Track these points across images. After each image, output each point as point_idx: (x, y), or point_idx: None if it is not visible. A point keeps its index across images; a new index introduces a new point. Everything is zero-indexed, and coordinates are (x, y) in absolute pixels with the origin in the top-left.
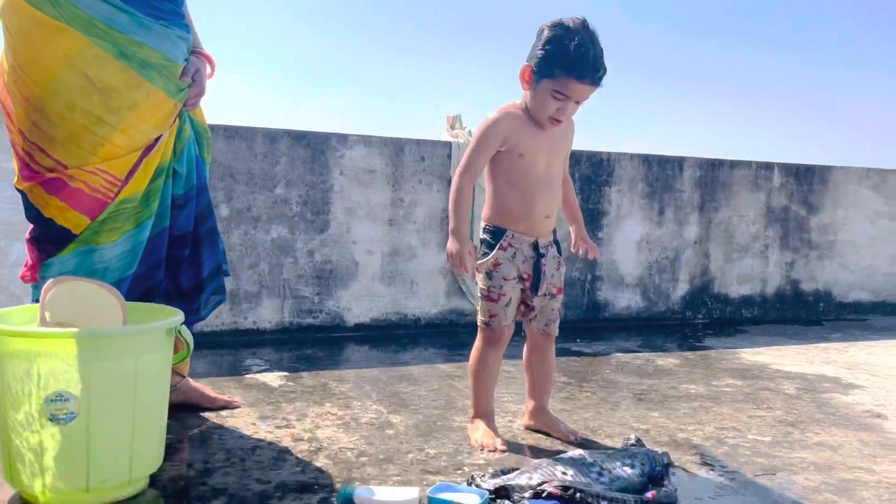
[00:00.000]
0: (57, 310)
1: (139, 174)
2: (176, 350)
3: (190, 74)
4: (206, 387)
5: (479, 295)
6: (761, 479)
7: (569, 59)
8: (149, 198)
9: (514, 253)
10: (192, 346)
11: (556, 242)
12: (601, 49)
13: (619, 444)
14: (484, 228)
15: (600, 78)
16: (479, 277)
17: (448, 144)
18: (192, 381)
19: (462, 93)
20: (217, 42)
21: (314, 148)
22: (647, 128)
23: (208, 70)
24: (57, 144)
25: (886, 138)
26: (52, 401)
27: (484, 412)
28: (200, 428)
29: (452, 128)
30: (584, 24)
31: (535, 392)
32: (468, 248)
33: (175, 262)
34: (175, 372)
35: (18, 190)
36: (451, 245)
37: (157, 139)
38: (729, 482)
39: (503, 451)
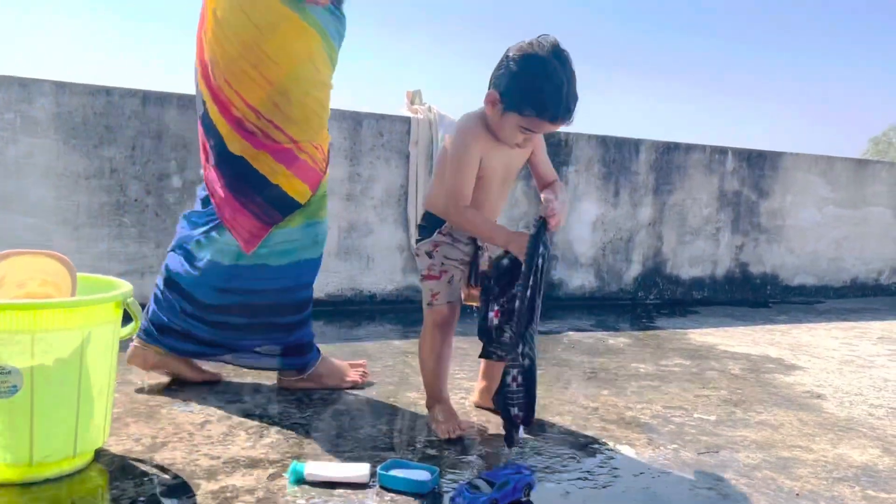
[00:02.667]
0: (5, 281)
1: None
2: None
3: None
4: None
5: (421, 276)
6: (705, 457)
7: (542, 101)
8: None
9: (454, 239)
10: (141, 319)
11: None
12: (574, 79)
13: (568, 421)
14: (425, 214)
15: (572, 112)
16: (419, 261)
17: (407, 120)
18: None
19: (422, 68)
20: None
21: None
22: (605, 110)
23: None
24: (292, 123)
25: (835, 126)
26: None
27: (438, 397)
28: (149, 402)
29: (413, 103)
30: (555, 52)
31: (489, 373)
32: (514, 234)
33: None
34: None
35: (234, 156)
36: (514, 241)
37: None
38: (674, 460)
39: (469, 430)
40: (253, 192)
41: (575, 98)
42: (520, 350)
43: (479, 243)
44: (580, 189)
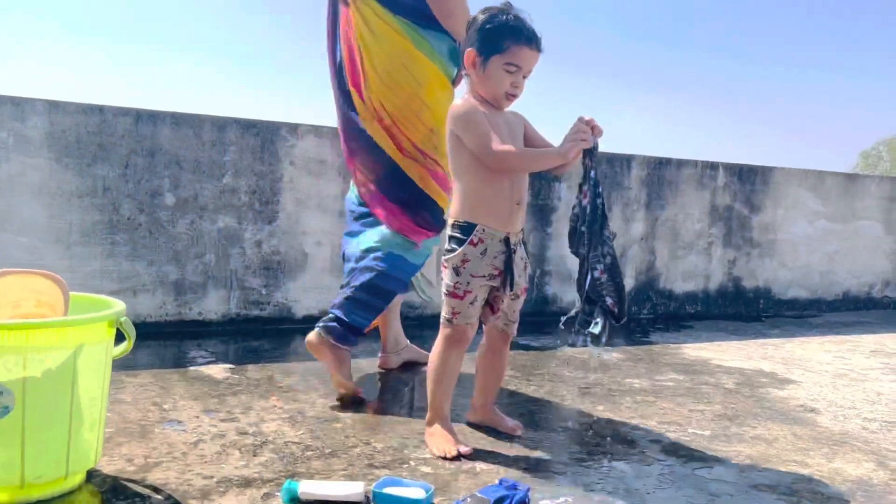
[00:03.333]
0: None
1: None
2: None
3: None
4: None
5: (444, 291)
6: (700, 472)
7: (512, 29)
8: None
9: (485, 249)
10: (134, 338)
11: (524, 242)
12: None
13: (563, 437)
14: (452, 225)
15: (541, 43)
16: (446, 273)
17: None
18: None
19: None
20: (169, 26)
21: (264, 137)
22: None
23: None
24: (442, 156)
25: (825, 140)
26: None
27: (441, 415)
28: (141, 421)
29: None
30: (509, 4)
31: (485, 390)
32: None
33: None
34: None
35: (407, 179)
36: (567, 149)
37: None
38: (668, 476)
39: (466, 453)
40: (420, 208)
41: (531, 26)
42: (600, 251)
43: (512, 246)
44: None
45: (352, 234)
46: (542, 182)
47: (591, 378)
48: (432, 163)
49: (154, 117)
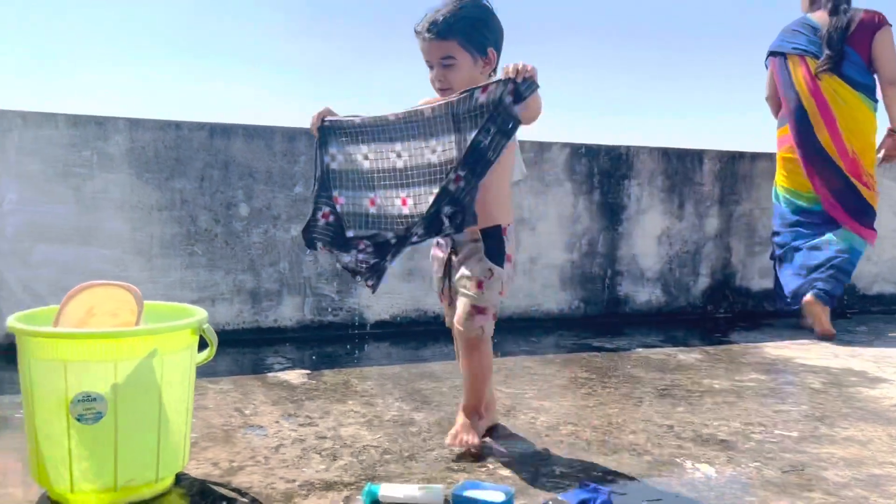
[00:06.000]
0: (74, 311)
1: None
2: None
3: None
4: None
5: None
6: (790, 476)
7: (415, 31)
8: None
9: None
10: (216, 344)
11: (485, 237)
12: (450, 5)
13: (642, 439)
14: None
15: (422, 30)
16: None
17: None
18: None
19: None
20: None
21: None
22: (666, 121)
23: None
24: (874, 179)
25: None
26: (79, 401)
27: (480, 409)
28: (224, 426)
29: None
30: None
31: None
32: None
33: None
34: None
35: (860, 195)
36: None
37: None
38: (757, 479)
39: (477, 451)
40: (864, 215)
41: (437, 18)
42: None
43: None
44: (643, 202)
45: (801, 235)
46: (612, 181)
47: (668, 379)
48: (870, 179)
49: (227, 130)
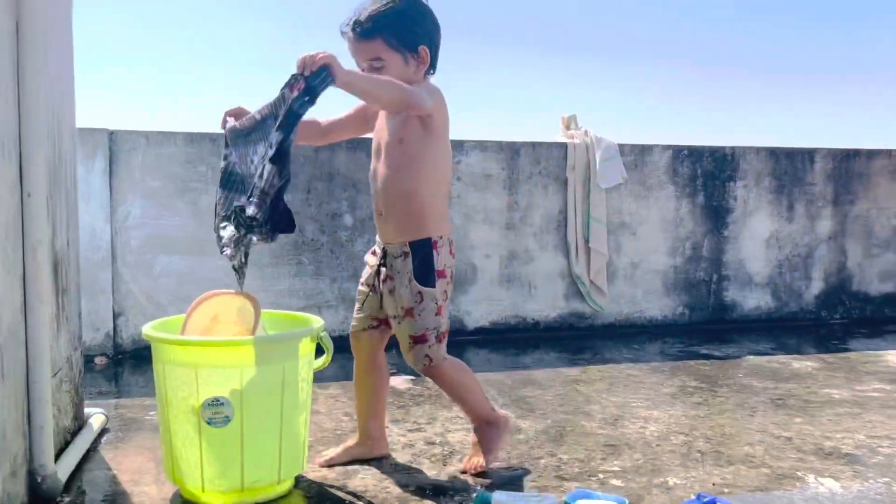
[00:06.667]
0: (200, 318)
1: None
2: None
3: None
4: None
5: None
6: None
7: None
8: None
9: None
10: (332, 351)
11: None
12: (376, 2)
13: (760, 451)
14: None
15: (347, 30)
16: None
17: (563, 146)
18: None
19: (577, 93)
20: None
21: None
22: (771, 121)
23: None
24: None
25: None
26: (209, 405)
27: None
28: (336, 431)
29: (568, 128)
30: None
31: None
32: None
33: None
34: None
35: None
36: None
37: None
38: (887, 495)
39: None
40: None
41: (360, 17)
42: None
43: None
44: (750, 204)
45: None
46: (717, 183)
47: (782, 388)
48: None
49: (331, 144)
